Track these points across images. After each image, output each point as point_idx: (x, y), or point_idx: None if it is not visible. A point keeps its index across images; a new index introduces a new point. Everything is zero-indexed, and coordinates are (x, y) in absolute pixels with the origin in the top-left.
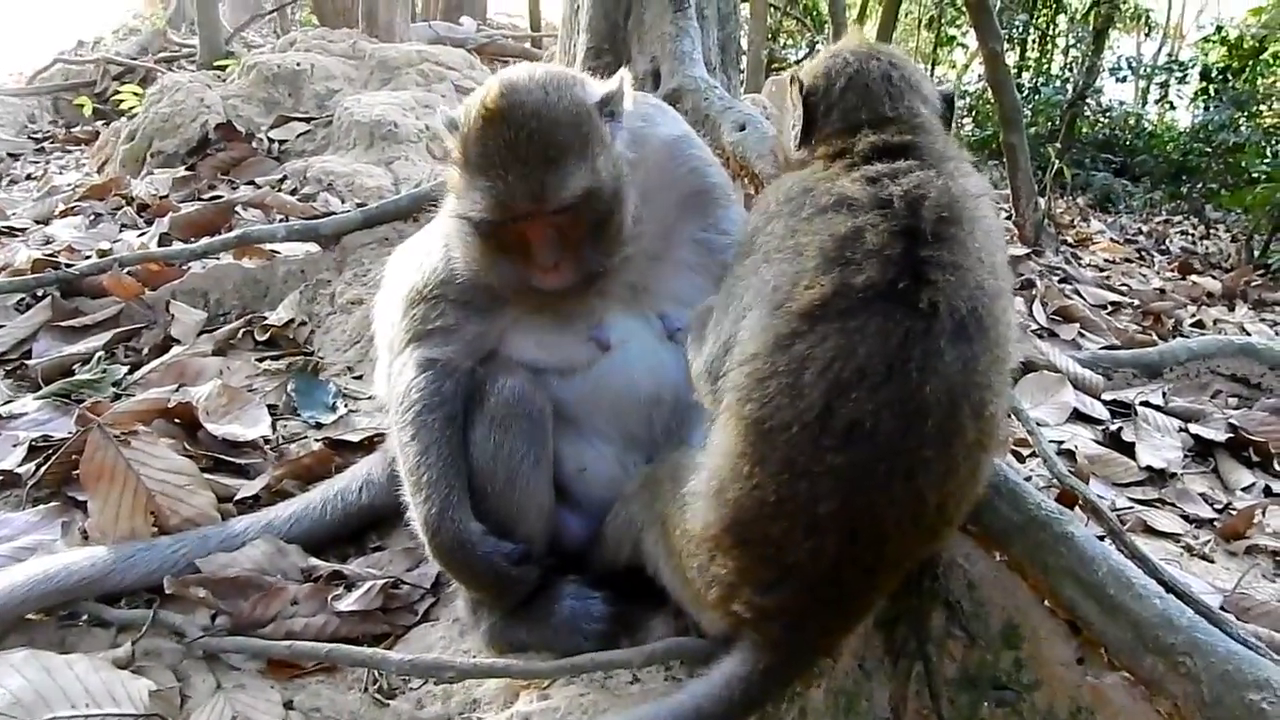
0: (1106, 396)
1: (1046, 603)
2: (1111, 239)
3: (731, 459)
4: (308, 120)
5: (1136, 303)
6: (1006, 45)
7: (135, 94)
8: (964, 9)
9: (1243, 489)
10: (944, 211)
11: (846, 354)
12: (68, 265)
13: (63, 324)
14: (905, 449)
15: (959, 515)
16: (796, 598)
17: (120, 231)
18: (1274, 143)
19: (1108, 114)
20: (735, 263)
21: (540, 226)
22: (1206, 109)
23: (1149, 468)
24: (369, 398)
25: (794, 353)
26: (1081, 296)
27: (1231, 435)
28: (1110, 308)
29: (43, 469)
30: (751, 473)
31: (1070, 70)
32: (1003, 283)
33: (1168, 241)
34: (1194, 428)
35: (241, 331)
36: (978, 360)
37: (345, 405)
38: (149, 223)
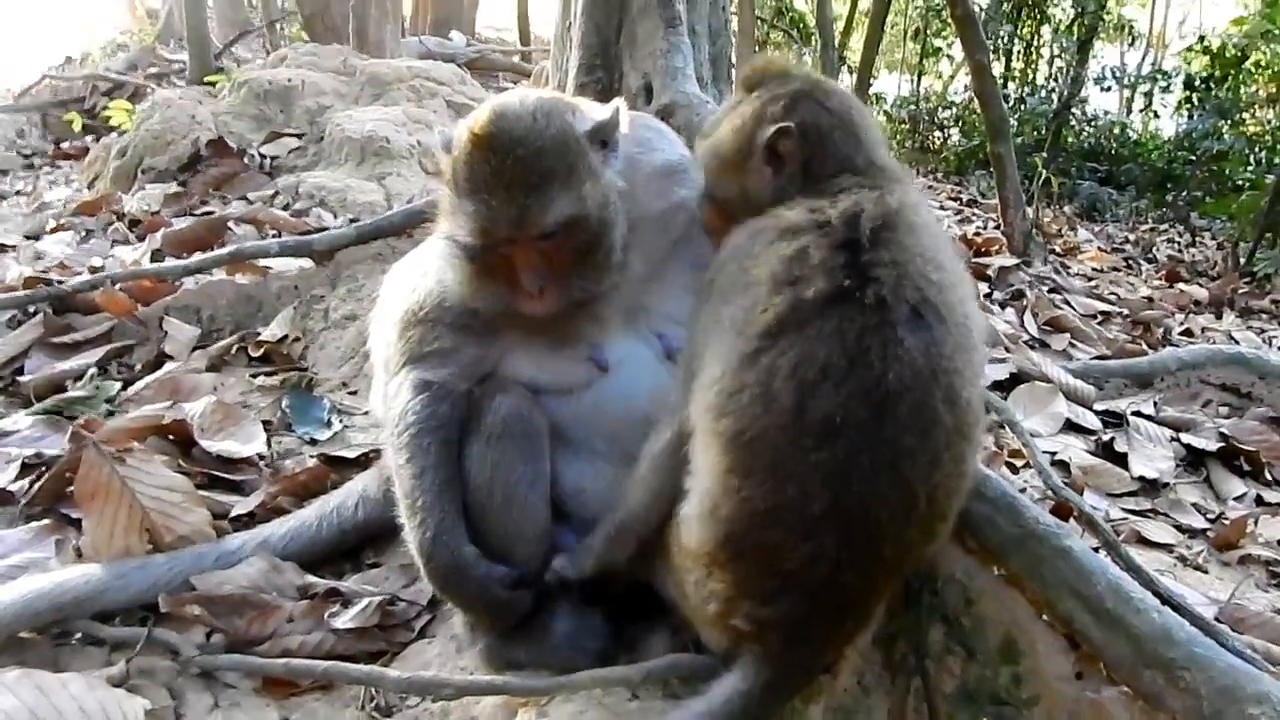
0: (1098, 407)
1: (1045, 617)
2: (1099, 248)
3: (719, 476)
4: (299, 136)
5: (1126, 312)
6: (992, 56)
7: (125, 110)
8: (950, 21)
9: (1235, 499)
10: (879, 221)
11: (809, 357)
12: (59, 282)
13: (55, 340)
14: (883, 439)
15: (950, 510)
16: (797, 607)
17: (112, 248)
18: (1257, 150)
19: (1093, 123)
20: (694, 312)
21: (525, 252)
22: (1190, 117)
23: (1141, 478)
24: (364, 413)
25: (760, 366)
26: (1071, 306)
27: (1223, 445)
28: (1100, 317)
29: (36, 486)
30: (741, 485)
31: (1055, 80)
32: (953, 277)
33: (1154, 249)
34: (1185, 437)
35: (235, 347)
36: (941, 346)
37: (340, 421)
38: (141, 239)
